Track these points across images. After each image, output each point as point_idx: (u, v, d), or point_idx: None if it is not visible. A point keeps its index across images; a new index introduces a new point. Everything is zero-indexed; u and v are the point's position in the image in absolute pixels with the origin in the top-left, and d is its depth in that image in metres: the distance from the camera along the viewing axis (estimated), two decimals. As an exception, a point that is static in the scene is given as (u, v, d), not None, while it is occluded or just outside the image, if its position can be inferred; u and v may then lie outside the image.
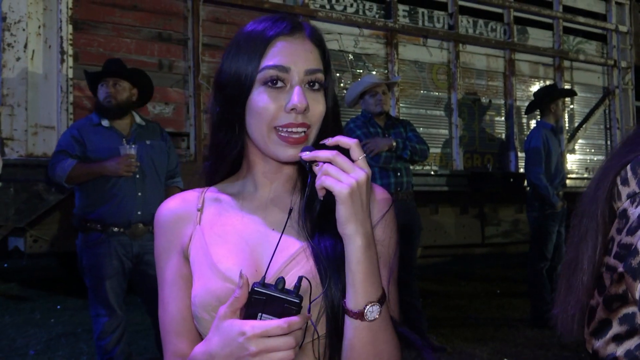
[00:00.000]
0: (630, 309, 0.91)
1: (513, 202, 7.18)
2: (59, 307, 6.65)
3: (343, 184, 1.01)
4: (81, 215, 3.83)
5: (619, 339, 0.94)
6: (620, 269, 0.92)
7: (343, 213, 1.02)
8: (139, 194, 3.84)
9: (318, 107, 1.15)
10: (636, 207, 0.90)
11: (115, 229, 3.76)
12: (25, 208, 4.36)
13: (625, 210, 0.95)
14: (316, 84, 1.16)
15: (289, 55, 1.13)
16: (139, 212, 3.82)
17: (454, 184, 6.46)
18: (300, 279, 1.01)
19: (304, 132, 1.13)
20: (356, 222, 1.02)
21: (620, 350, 0.93)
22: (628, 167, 0.95)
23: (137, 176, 3.83)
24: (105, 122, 3.86)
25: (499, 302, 6.80)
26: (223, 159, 1.23)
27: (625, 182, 0.95)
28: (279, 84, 1.13)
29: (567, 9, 7.48)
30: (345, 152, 1.05)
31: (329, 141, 1.06)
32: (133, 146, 3.75)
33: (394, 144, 4.78)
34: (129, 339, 3.94)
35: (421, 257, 6.61)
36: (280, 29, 1.15)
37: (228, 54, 1.19)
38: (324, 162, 1.04)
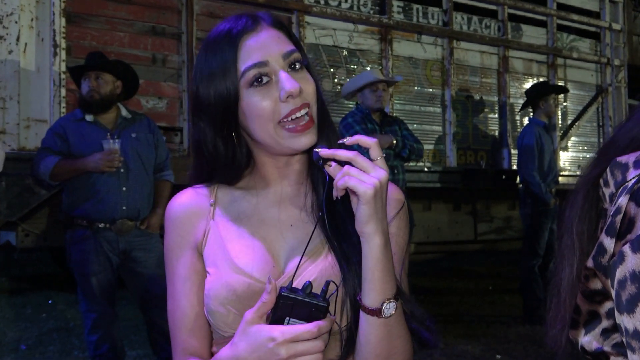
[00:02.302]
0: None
1: (506, 199, 7.20)
2: (50, 301, 6.63)
3: (367, 185, 1.00)
4: (67, 212, 3.80)
5: (606, 332, 0.95)
6: (590, 265, 0.93)
7: (365, 212, 1.01)
8: (124, 188, 3.78)
9: (309, 85, 1.15)
10: (614, 207, 0.92)
11: (101, 225, 3.72)
12: (17, 202, 4.33)
13: (606, 211, 0.97)
14: (297, 64, 1.14)
15: (260, 49, 1.12)
16: (124, 207, 3.76)
17: (447, 181, 6.47)
18: (327, 282, 1.02)
19: (306, 113, 1.12)
20: (376, 221, 1.02)
21: (608, 344, 0.94)
22: (607, 169, 0.97)
23: (122, 170, 3.76)
24: (89, 117, 3.79)
25: (491, 299, 6.82)
26: (236, 170, 1.21)
27: (606, 184, 0.97)
28: (264, 79, 1.12)
29: (561, 7, 7.50)
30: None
31: (349, 140, 1.06)
32: (117, 141, 3.68)
33: (394, 141, 4.79)
34: (120, 334, 3.93)
35: (414, 254, 6.62)
36: (242, 27, 1.14)
37: (200, 78, 1.16)
38: (344, 162, 1.03)
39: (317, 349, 0.99)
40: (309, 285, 1.00)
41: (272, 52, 1.12)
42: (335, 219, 1.14)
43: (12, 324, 5.68)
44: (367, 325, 1.06)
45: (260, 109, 1.11)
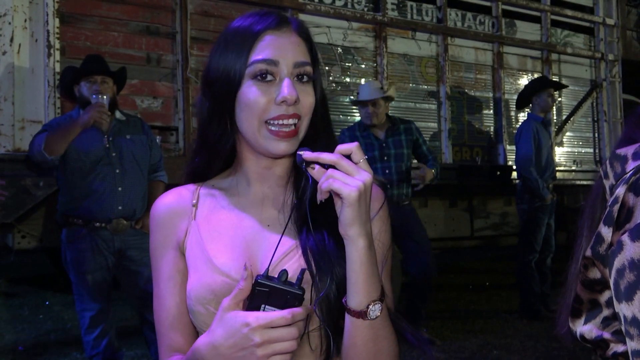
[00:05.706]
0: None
1: (502, 194, 7.21)
2: (47, 303, 6.62)
3: (351, 187, 1.01)
4: (63, 211, 3.82)
5: (607, 320, 0.96)
6: (588, 254, 0.94)
7: (349, 215, 1.02)
8: (120, 188, 3.82)
9: (308, 99, 1.17)
10: (612, 197, 0.93)
11: (97, 224, 3.75)
12: (13, 203, 4.32)
13: (606, 202, 0.97)
14: (305, 77, 1.17)
15: (277, 48, 1.15)
16: (120, 207, 3.80)
17: (443, 177, 6.46)
18: (302, 271, 1.03)
19: (294, 124, 1.14)
20: (360, 224, 1.03)
21: (608, 331, 0.95)
22: (607, 162, 0.98)
23: (117, 171, 3.81)
24: None
25: (488, 295, 6.84)
26: (216, 155, 1.24)
27: (606, 176, 0.98)
28: (269, 77, 1.14)
29: (555, 2, 7.50)
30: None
31: (333, 153, 1.06)
32: (104, 97, 3.74)
33: (434, 172, 5.04)
34: (118, 334, 3.93)
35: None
36: (267, 23, 1.16)
37: (216, 51, 1.20)
38: (327, 165, 1.04)
39: (291, 336, 1.00)
40: (284, 272, 1.02)
41: (286, 56, 1.15)
42: (316, 222, 1.14)
43: (9, 325, 5.67)
44: (353, 328, 1.07)
45: (253, 101, 1.13)
